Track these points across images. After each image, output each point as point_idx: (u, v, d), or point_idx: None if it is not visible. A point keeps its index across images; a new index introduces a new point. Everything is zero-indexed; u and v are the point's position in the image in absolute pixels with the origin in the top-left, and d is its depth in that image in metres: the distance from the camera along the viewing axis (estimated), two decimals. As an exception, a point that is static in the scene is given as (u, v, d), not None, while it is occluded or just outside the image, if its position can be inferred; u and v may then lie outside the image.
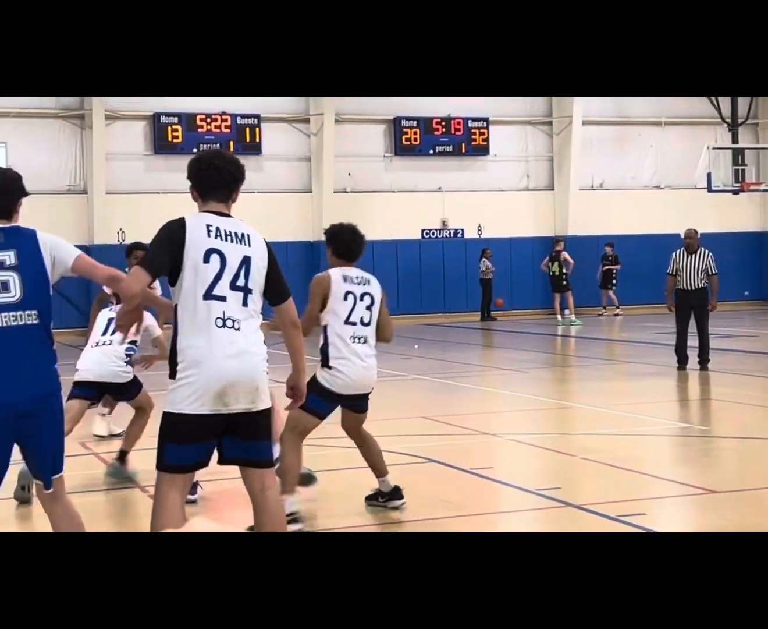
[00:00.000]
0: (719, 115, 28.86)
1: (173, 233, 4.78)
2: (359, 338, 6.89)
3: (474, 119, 28.71)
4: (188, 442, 4.74)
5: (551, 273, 26.44)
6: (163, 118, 26.41)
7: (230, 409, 4.73)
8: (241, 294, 4.79)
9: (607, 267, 28.41)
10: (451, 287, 28.64)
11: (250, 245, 4.87)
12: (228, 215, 4.95)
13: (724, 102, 28.85)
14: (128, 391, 8.64)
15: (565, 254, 26.24)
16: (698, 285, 14.81)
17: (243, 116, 26.89)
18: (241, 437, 4.83)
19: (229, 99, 26.41)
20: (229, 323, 4.74)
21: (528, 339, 22.32)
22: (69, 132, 26.24)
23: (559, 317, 25.79)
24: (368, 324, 6.94)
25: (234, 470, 5.09)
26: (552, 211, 29.98)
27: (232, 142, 26.76)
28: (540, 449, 9.53)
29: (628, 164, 30.46)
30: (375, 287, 7.04)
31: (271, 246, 5.03)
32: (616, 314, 27.89)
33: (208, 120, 26.63)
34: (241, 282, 4.80)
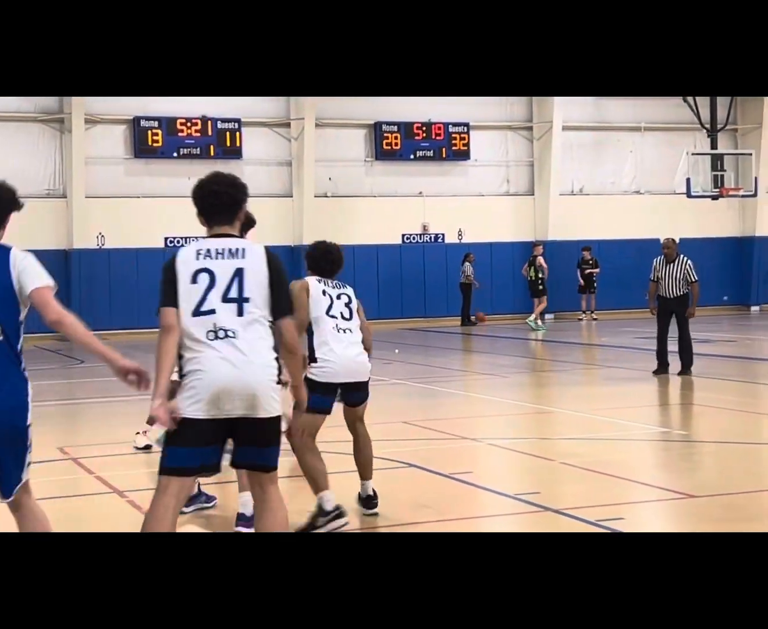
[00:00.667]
0: (698, 121, 28.99)
1: (168, 270, 5.01)
2: (342, 330, 7.06)
3: (454, 124, 28.77)
4: (186, 445, 4.86)
5: (529, 278, 26.54)
6: (143, 122, 26.33)
7: (228, 414, 4.85)
8: (234, 305, 4.92)
9: (588, 271, 28.52)
10: (431, 291, 28.68)
11: (244, 258, 4.98)
12: (230, 235, 5.09)
13: (703, 108, 28.98)
14: None
15: (540, 259, 26.29)
16: (678, 293, 14.88)
17: (223, 120, 26.85)
18: (243, 444, 4.97)
19: (210, 103, 26.36)
20: (221, 333, 4.88)
21: (508, 344, 22.37)
22: (48, 136, 26.13)
23: (538, 321, 25.85)
24: (349, 319, 7.13)
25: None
26: (532, 216, 30.06)
27: (212, 147, 26.71)
28: (519, 453, 9.55)
29: (608, 169, 30.59)
30: (350, 291, 7.31)
31: (274, 257, 5.08)
32: (594, 319, 28.00)
33: (189, 124, 26.58)
34: (233, 294, 4.93)
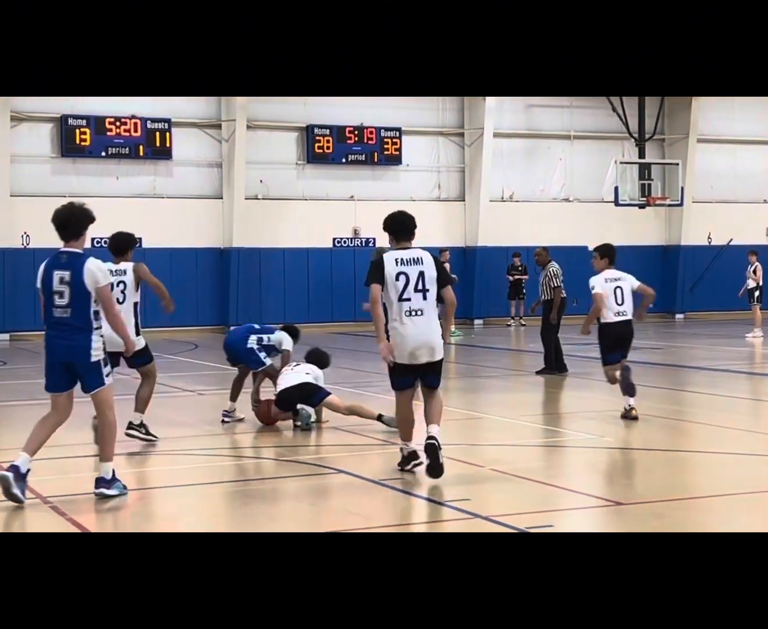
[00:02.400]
0: (627, 130, 29.40)
1: (379, 265, 8.21)
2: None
3: (386, 129, 28.81)
4: (401, 375, 8.36)
5: None
6: (71, 121, 25.94)
7: (418, 361, 8.22)
8: (421, 294, 8.18)
9: (516, 277, 28.72)
10: (362, 296, 28.42)
11: (422, 264, 8.25)
12: (410, 248, 8.35)
13: (632, 117, 29.39)
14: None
15: (446, 266, 26.15)
16: (544, 298, 16.11)
17: (153, 120, 26.56)
18: (426, 374, 8.34)
19: (140, 103, 26.05)
20: (414, 312, 8.18)
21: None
22: (-28, 132, 25.62)
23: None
24: (121, 302, 10.05)
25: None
26: (463, 221, 30.22)
27: (141, 147, 26.40)
28: (449, 460, 9.51)
29: (538, 177, 30.86)
30: (129, 275, 10.35)
31: (436, 257, 8.43)
32: (522, 325, 28.20)
33: (118, 123, 26.24)
34: (420, 287, 8.17)
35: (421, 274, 8.16)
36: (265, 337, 12.06)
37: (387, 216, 8.50)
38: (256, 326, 12.39)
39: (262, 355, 11.84)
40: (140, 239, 25.71)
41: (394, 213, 8.48)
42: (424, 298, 8.15)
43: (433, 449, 8.11)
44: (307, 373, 11.27)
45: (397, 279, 8.13)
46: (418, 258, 8.24)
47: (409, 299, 8.14)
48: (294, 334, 12.22)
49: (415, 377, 8.35)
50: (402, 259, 8.21)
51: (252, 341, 11.96)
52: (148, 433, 10.55)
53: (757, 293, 23.93)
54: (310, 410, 11.01)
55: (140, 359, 10.24)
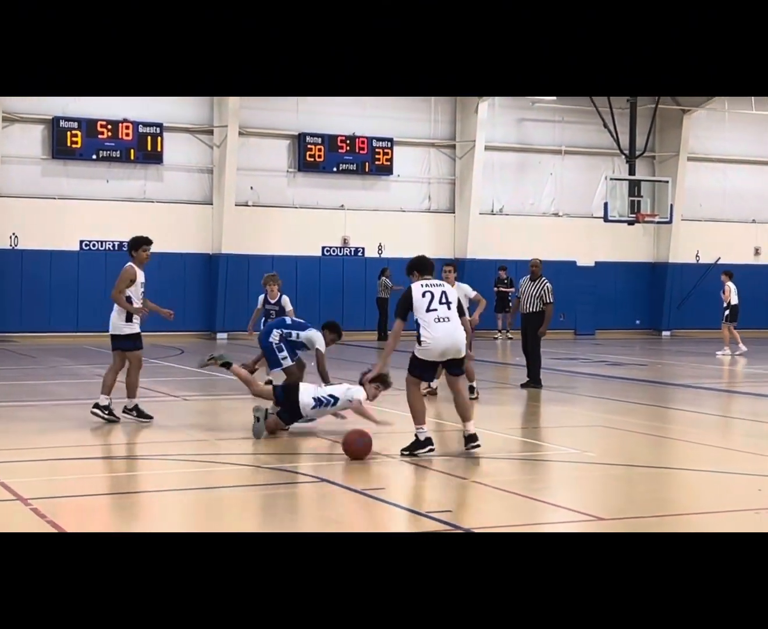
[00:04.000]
0: (618, 147, 29.49)
1: (407, 298, 10.04)
2: None
3: (378, 139, 28.86)
4: (423, 369, 10.09)
5: None
6: (62, 123, 25.93)
7: (445, 358, 10.00)
8: (445, 305, 9.99)
9: (502, 290, 28.78)
10: (349, 305, 28.68)
11: (444, 287, 10.15)
12: (432, 278, 10.27)
13: (623, 134, 29.48)
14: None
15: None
16: (531, 310, 16.26)
17: (145, 124, 26.56)
18: (451, 366, 10.12)
19: (132, 107, 26.06)
20: (441, 319, 9.93)
21: (424, 360, 22.32)
22: (-37, 132, 25.58)
23: None
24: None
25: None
26: (452, 233, 30.27)
27: (132, 151, 26.39)
28: (433, 471, 9.56)
29: (528, 191, 30.94)
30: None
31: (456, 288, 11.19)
32: (509, 338, 28.23)
33: (109, 127, 26.23)
34: (443, 300, 9.99)
35: (444, 292, 10.05)
36: (294, 333, 11.94)
37: (413, 258, 10.49)
38: (288, 321, 12.30)
39: (281, 355, 11.87)
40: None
41: (419, 256, 10.61)
42: (449, 308, 9.97)
43: (473, 443, 10.22)
44: (328, 397, 10.94)
45: (423, 296, 9.99)
46: (440, 283, 10.29)
47: (435, 310, 9.92)
48: (335, 331, 12.18)
49: (435, 372, 10.48)
50: (427, 284, 10.15)
51: (274, 337, 11.90)
52: (111, 414, 11.69)
53: (726, 312, 24.54)
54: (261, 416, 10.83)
55: (116, 344, 11.83)
